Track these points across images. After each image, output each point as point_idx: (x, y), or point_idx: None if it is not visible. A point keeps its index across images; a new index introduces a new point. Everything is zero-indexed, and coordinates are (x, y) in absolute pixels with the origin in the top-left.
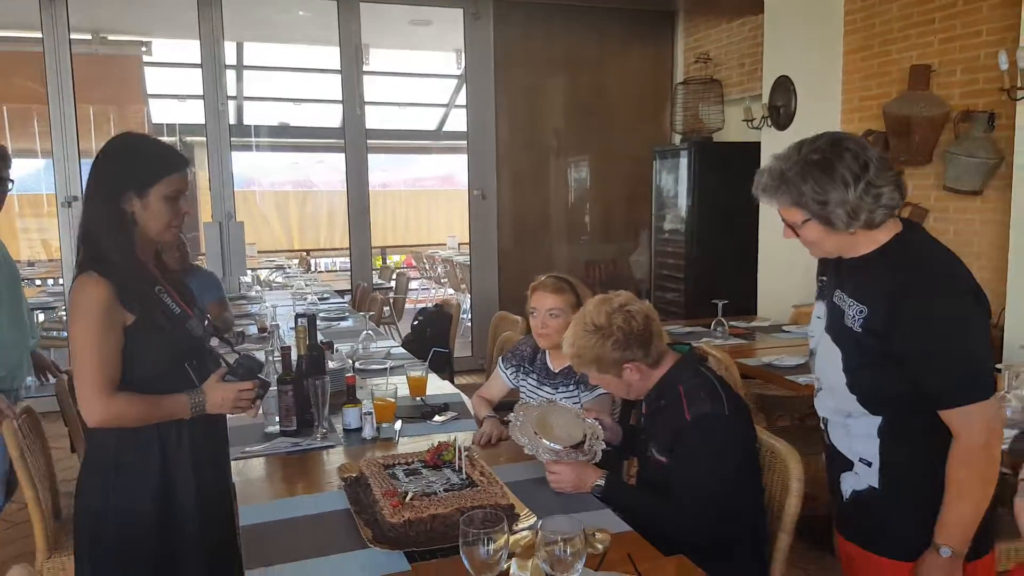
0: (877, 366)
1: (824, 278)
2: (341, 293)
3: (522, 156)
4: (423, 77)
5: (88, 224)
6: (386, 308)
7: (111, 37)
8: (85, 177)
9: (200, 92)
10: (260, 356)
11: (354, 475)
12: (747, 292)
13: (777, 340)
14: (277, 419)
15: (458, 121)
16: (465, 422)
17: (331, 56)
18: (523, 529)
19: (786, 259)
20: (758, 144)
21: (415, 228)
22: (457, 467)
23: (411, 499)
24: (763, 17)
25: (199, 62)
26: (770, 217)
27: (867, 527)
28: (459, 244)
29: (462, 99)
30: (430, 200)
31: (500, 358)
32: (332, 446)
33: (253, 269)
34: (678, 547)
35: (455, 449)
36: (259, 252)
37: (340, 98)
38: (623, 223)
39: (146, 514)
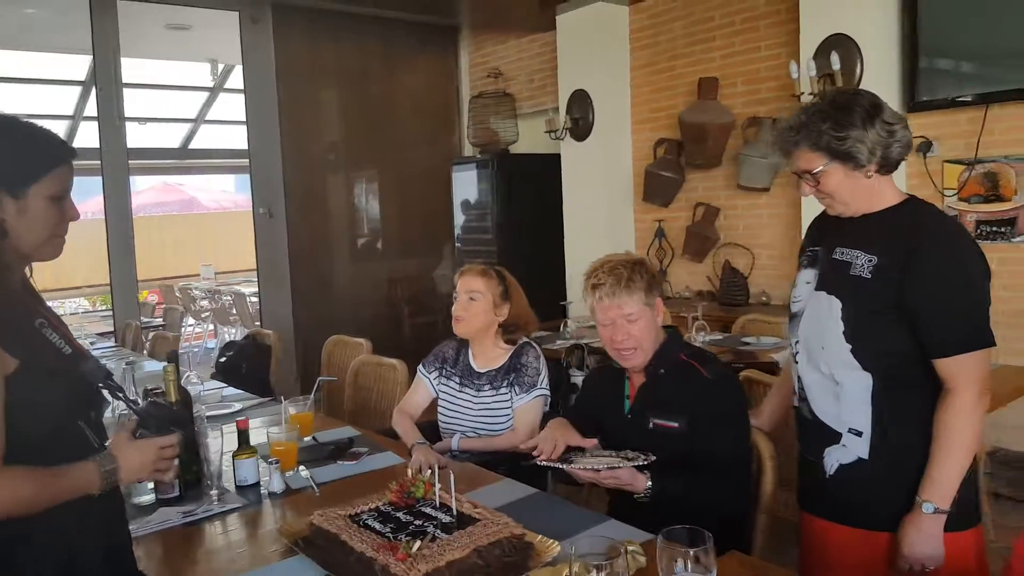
0: (880, 314)
1: (814, 249)
2: (102, 335)
3: (311, 172)
4: (176, 90)
5: None
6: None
7: None
8: None
9: None
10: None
11: (304, 535)
12: (558, 296)
13: None
14: (150, 486)
15: (208, 138)
16: (382, 456)
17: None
18: (547, 564)
19: (593, 260)
20: (558, 156)
21: (158, 258)
22: (438, 504)
23: (419, 549)
24: (552, 34)
25: None
26: (575, 222)
27: (852, 501)
28: (215, 273)
29: (214, 114)
30: (173, 226)
31: (421, 364)
32: (238, 508)
33: None
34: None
35: (423, 483)
36: None
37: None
38: (424, 238)
39: None
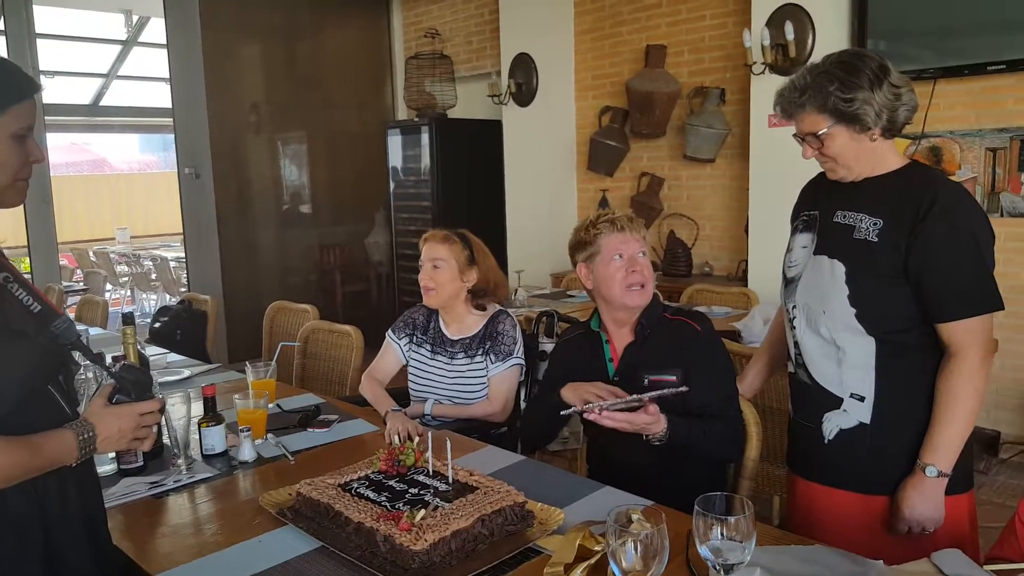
0: (887, 278)
1: (811, 213)
2: None
3: (237, 133)
4: (88, 42)
5: None
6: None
7: None
8: None
9: None
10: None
11: (290, 506)
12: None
13: (573, 304)
14: (111, 455)
15: (120, 95)
16: (353, 424)
17: None
18: (553, 532)
19: (535, 229)
20: (498, 122)
21: (69, 221)
22: (431, 472)
23: (423, 519)
24: None
25: None
26: (517, 190)
27: (851, 466)
28: (131, 237)
29: (127, 69)
30: (84, 187)
31: (390, 330)
32: (209, 478)
33: None
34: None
35: (413, 451)
36: None
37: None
38: (355, 204)
39: None
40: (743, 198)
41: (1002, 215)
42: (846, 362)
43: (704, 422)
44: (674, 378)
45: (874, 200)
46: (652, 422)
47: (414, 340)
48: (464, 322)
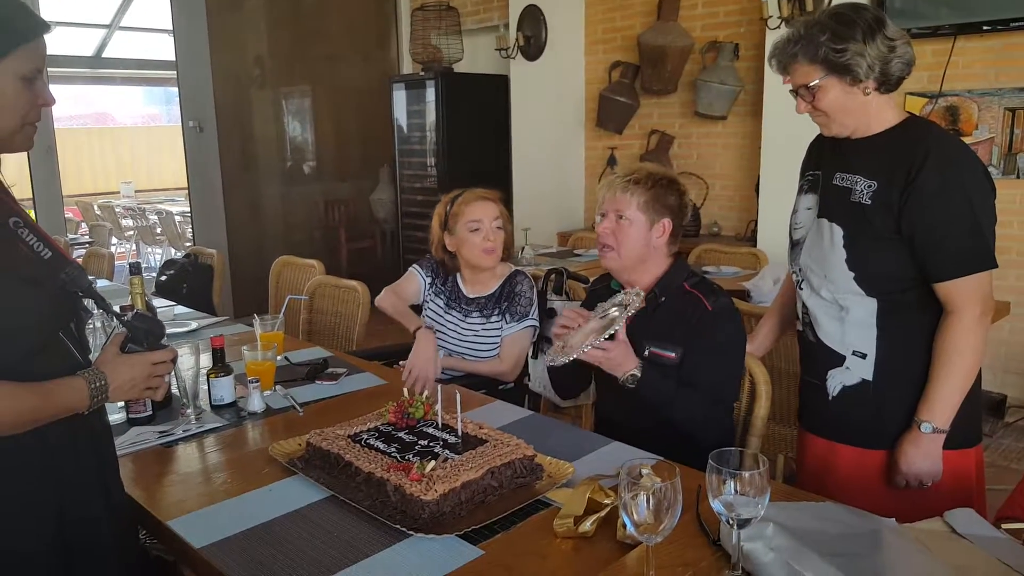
0: (883, 240)
1: (814, 173)
2: None
3: (241, 86)
4: None
5: None
6: None
7: None
8: None
9: None
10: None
11: (300, 455)
12: None
13: (580, 263)
14: (120, 404)
15: (122, 46)
16: (361, 377)
17: None
18: (562, 486)
19: (542, 187)
20: (505, 76)
21: (73, 175)
22: (440, 424)
23: (433, 469)
24: None
25: None
26: (523, 147)
27: (854, 421)
28: (135, 191)
29: (129, 20)
30: (88, 140)
31: (416, 264)
32: (218, 428)
33: None
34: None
35: (422, 404)
36: None
37: None
38: (360, 160)
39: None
40: (755, 157)
41: (1019, 176)
42: (849, 320)
43: (679, 388)
44: (673, 355)
45: (869, 161)
46: (613, 360)
47: (434, 287)
48: (482, 280)
